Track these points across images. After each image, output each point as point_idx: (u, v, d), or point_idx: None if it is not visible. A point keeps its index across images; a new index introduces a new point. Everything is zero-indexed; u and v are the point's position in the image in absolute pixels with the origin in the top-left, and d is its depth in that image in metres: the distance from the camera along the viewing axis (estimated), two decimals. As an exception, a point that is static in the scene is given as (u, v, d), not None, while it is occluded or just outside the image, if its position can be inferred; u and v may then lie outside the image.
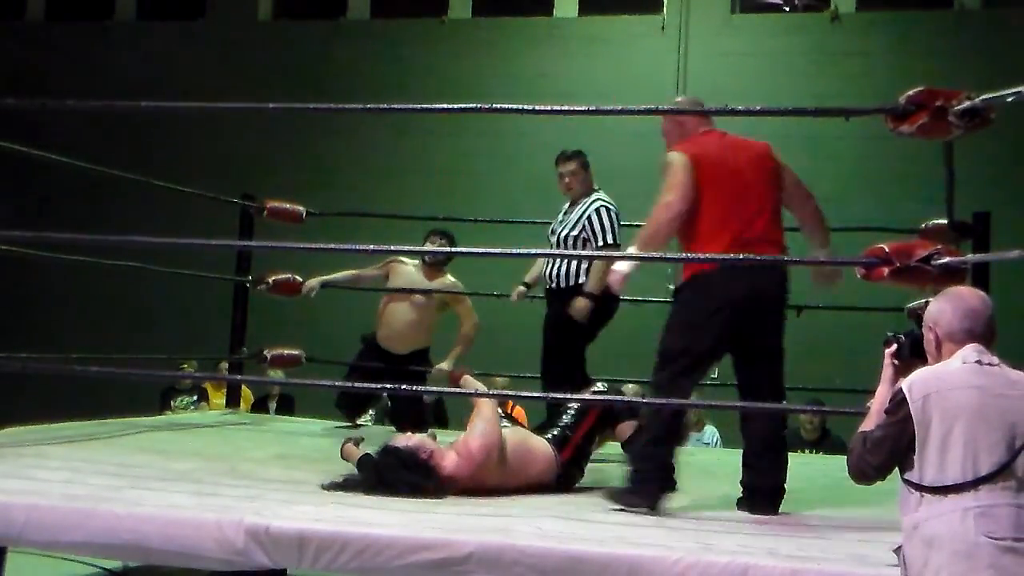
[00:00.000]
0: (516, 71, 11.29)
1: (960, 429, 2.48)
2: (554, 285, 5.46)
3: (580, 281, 5.34)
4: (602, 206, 5.41)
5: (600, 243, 5.33)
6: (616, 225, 5.40)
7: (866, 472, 2.63)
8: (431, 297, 6.23)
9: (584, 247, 5.34)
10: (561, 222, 5.54)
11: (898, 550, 2.58)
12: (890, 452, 2.57)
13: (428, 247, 6.03)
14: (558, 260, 5.44)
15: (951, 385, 2.53)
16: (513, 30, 11.70)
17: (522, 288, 5.82)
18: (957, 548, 2.40)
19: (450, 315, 6.34)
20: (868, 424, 2.68)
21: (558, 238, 5.47)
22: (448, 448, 3.92)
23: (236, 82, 11.10)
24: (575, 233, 5.38)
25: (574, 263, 5.38)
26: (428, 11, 11.88)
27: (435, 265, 6.24)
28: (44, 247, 5.69)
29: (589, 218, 5.36)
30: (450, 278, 6.33)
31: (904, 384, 2.58)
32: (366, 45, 11.74)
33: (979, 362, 2.57)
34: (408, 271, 6.25)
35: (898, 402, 2.57)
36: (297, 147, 11.23)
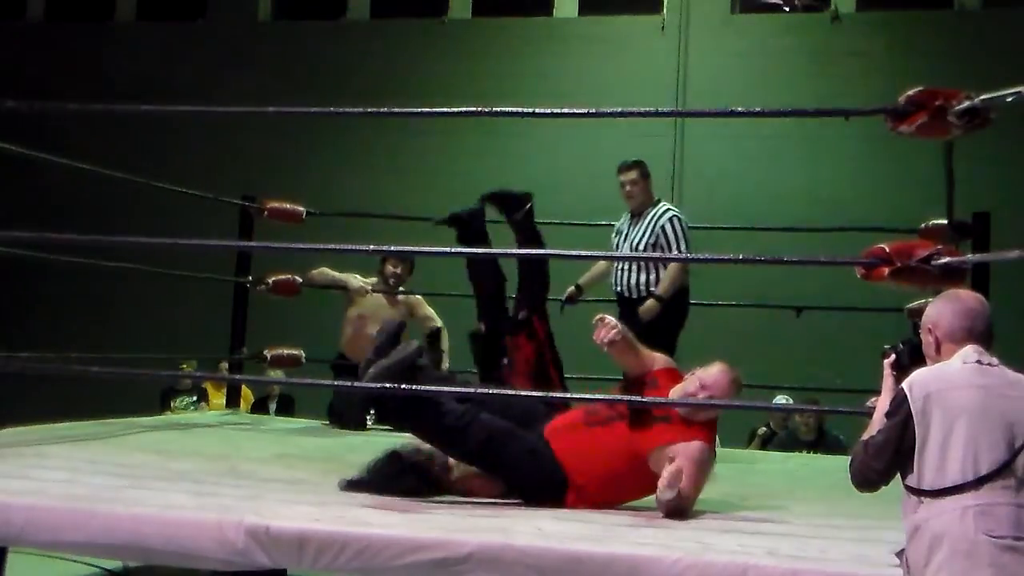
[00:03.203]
0: (516, 71, 11.29)
1: (961, 428, 2.47)
2: (629, 295, 5.59)
3: (654, 290, 5.53)
4: (674, 216, 5.63)
5: (675, 252, 5.55)
6: (688, 235, 5.63)
7: (870, 478, 2.60)
8: (397, 312, 6.34)
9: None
10: (628, 233, 5.68)
11: (900, 553, 2.57)
12: (893, 455, 2.55)
13: (389, 269, 6.28)
14: (631, 271, 5.58)
15: (952, 384, 2.53)
16: (513, 30, 11.71)
17: (573, 289, 5.90)
18: (957, 547, 2.40)
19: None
20: (869, 432, 2.66)
21: (631, 247, 5.59)
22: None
23: (236, 82, 11.11)
24: (652, 241, 5.55)
25: (646, 274, 5.54)
26: (428, 11, 11.89)
27: (395, 289, 6.37)
28: (44, 247, 5.70)
29: (663, 227, 5.56)
30: (402, 297, 6.47)
31: (904, 384, 2.57)
32: (366, 45, 11.74)
33: (979, 362, 2.56)
34: (372, 296, 6.33)
35: (899, 403, 2.56)
36: (297, 147, 11.24)
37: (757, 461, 5.80)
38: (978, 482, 2.43)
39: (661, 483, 3.48)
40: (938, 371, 2.59)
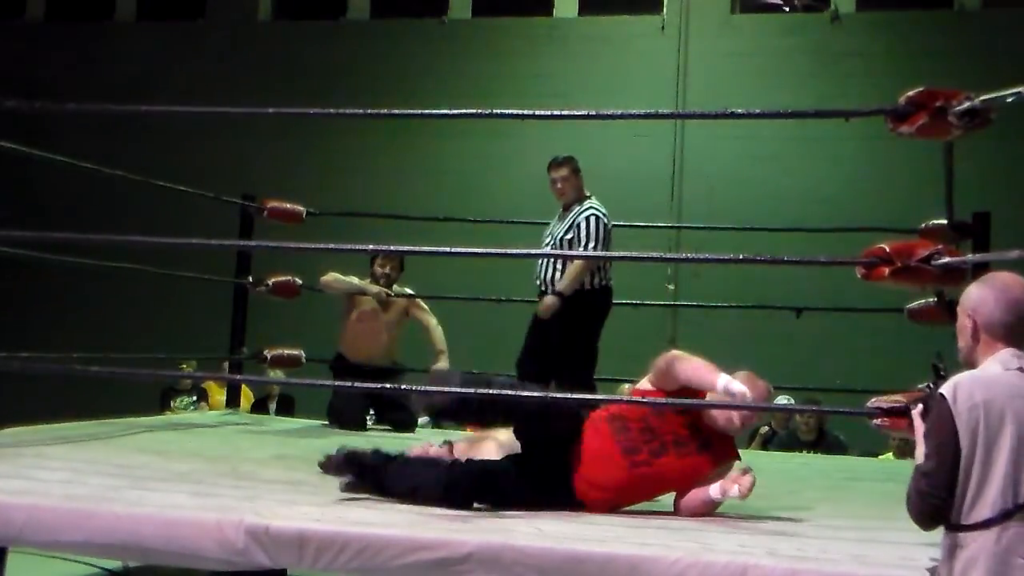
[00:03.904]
0: (516, 71, 11.29)
1: (1005, 444, 2.31)
2: (543, 289, 5.64)
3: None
4: (593, 214, 5.63)
5: (583, 249, 5.57)
6: (603, 234, 5.61)
7: (935, 505, 2.36)
8: (394, 313, 6.38)
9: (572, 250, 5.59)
10: (552, 228, 5.78)
11: (933, 570, 2.48)
12: (951, 475, 2.35)
13: (378, 269, 6.27)
14: (546, 264, 5.69)
15: (997, 394, 2.35)
16: (513, 30, 11.71)
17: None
18: (992, 567, 2.29)
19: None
20: (917, 462, 2.45)
21: (553, 241, 5.67)
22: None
23: (236, 82, 11.11)
24: (568, 237, 5.61)
25: (560, 268, 5.55)
26: (428, 11, 11.89)
27: (387, 289, 6.36)
28: (44, 247, 5.69)
29: (578, 224, 5.60)
30: (397, 289, 6.46)
31: (946, 391, 2.37)
32: (366, 45, 11.74)
33: (1021, 369, 2.40)
34: (368, 299, 6.34)
35: (940, 415, 2.37)
36: (297, 147, 11.23)
37: (758, 461, 5.80)
38: (1019, 507, 2.28)
39: (743, 489, 3.48)
40: (980, 378, 2.41)
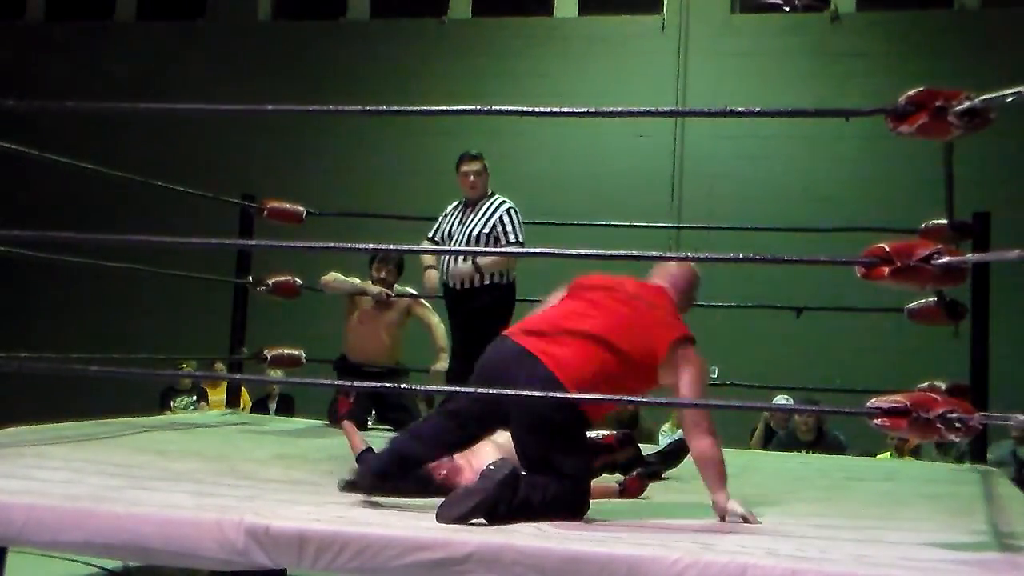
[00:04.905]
0: (516, 71, 11.30)
1: None
2: (453, 285, 5.72)
3: (487, 282, 5.67)
4: (511, 208, 5.77)
5: (511, 241, 5.69)
6: (522, 226, 5.78)
7: None
8: (395, 313, 6.38)
9: (494, 245, 5.67)
10: (461, 221, 5.79)
11: None
12: None
13: (374, 274, 6.30)
14: (457, 259, 5.71)
15: None
16: (513, 30, 11.72)
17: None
18: None
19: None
20: None
21: (467, 235, 5.71)
22: (466, 465, 3.82)
23: (236, 82, 11.12)
24: (486, 231, 5.68)
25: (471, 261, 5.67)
26: (428, 11, 11.90)
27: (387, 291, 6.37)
28: (44, 247, 5.69)
29: (501, 218, 5.71)
30: (399, 290, 6.46)
31: None
32: (366, 45, 11.75)
33: None
34: (368, 300, 6.35)
35: None
36: (297, 147, 11.24)
37: (757, 461, 5.81)
38: None
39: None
40: None
